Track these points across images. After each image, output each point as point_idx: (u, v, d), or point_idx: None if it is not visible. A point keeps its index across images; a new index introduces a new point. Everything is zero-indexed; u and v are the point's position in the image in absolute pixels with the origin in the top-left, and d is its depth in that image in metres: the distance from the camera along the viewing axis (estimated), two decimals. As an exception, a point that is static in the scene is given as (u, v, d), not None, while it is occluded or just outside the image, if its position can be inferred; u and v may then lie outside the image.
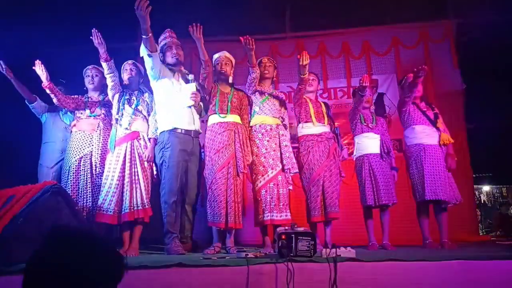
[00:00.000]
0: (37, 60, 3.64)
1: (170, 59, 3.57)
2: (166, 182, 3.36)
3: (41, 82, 3.65)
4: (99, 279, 0.94)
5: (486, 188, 10.04)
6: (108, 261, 0.97)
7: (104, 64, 3.52)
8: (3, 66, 3.70)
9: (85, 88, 3.95)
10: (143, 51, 3.34)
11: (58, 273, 0.91)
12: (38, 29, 4.89)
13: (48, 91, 3.67)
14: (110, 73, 3.55)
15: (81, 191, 3.61)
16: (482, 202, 9.85)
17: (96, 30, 3.39)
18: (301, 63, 3.50)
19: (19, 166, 4.40)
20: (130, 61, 3.77)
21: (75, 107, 3.82)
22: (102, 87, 3.91)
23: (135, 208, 3.38)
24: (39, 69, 3.62)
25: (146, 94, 3.72)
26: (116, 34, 4.33)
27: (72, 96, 3.83)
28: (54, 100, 3.73)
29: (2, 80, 3.78)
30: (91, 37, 3.41)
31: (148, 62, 3.39)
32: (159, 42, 3.64)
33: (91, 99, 3.88)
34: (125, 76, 3.71)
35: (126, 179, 3.42)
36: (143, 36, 3.23)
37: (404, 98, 3.95)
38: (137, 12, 3.03)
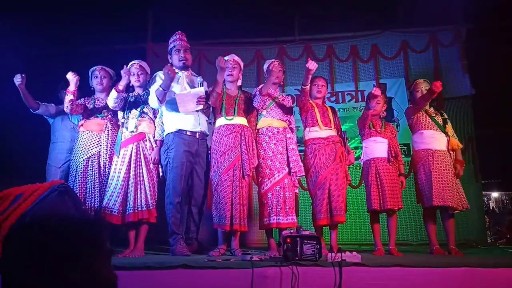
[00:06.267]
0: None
1: (177, 62, 3.59)
2: (171, 182, 3.38)
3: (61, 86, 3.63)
4: (75, 249, 0.92)
5: (495, 194, 9.92)
6: (82, 230, 0.95)
7: (114, 93, 3.48)
8: (21, 79, 3.65)
9: (92, 88, 3.92)
10: (153, 102, 3.45)
11: (32, 253, 0.90)
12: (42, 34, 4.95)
13: (69, 96, 3.59)
14: (116, 102, 3.53)
15: (89, 191, 3.61)
16: (491, 208, 9.72)
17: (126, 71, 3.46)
18: (307, 65, 3.43)
19: (28, 165, 4.43)
20: (136, 63, 3.70)
21: (83, 111, 3.80)
22: (109, 89, 3.91)
23: (139, 209, 3.39)
24: (71, 74, 3.57)
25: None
26: (121, 35, 4.35)
27: (80, 103, 3.78)
28: (67, 110, 3.68)
29: (11, 80, 3.76)
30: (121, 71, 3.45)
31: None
32: (169, 43, 3.66)
33: (98, 99, 3.87)
34: (132, 80, 3.67)
35: (131, 180, 3.42)
36: (161, 88, 3.33)
37: (415, 106, 3.93)
38: (164, 74, 3.26)
